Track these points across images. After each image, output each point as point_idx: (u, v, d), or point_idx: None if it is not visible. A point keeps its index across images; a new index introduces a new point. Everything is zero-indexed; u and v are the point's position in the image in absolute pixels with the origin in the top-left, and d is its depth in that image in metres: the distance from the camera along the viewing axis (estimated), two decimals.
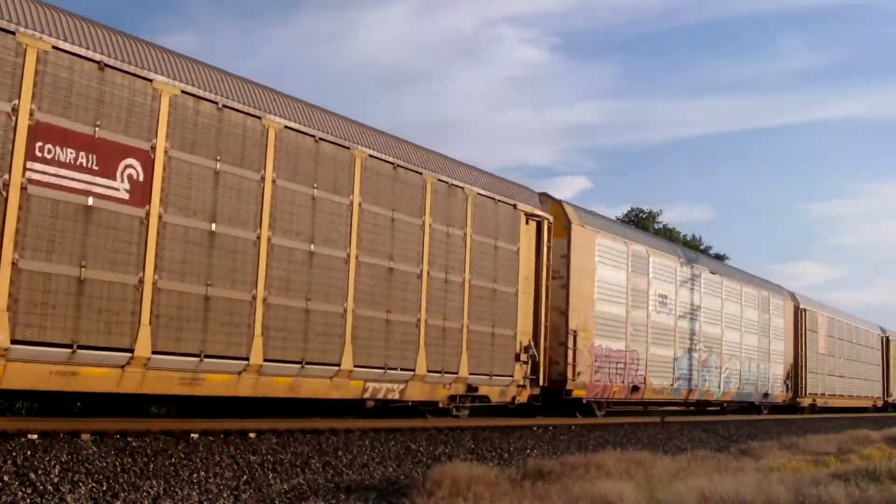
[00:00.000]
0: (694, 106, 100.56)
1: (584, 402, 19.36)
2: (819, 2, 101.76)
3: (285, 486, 9.58)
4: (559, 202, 18.89)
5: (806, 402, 33.75)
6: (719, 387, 26.58)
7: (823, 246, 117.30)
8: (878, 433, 22.58)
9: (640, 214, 52.12)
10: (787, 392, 32.13)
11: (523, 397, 17.16)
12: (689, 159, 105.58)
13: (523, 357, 16.87)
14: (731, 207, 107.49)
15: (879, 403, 44.63)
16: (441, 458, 12.23)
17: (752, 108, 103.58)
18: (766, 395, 30.12)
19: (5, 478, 7.79)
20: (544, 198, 18.61)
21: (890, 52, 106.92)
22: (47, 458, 8.33)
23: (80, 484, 8.11)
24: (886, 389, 45.87)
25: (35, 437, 8.78)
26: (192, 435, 10.20)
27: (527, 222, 17.34)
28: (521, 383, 16.94)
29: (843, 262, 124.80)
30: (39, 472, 8.06)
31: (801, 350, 33.16)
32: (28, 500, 7.60)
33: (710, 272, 26.17)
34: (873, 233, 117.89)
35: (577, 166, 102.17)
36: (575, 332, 18.49)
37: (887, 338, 47.45)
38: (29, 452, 8.36)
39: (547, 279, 17.63)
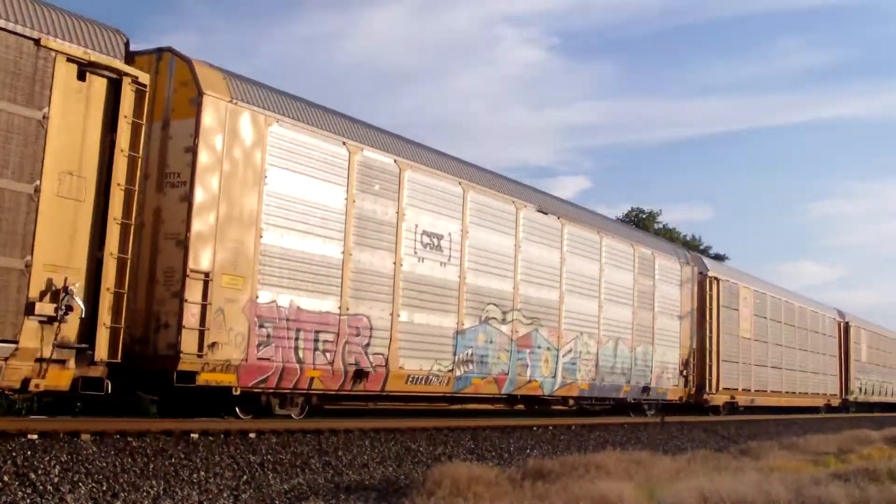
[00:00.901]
0: (694, 106, 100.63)
1: (236, 391, 11.67)
2: (819, 1, 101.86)
3: (285, 486, 9.58)
4: (188, 60, 11.57)
5: (718, 399, 25.80)
6: (554, 376, 18.17)
7: (823, 246, 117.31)
8: (878, 433, 22.59)
9: (641, 214, 52.13)
10: (685, 386, 24.07)
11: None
12: (688, 159, 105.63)
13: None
14: (731, 207, 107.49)
15: (836, 402, 37.99)
16: (441, 458, 12.24)
17: (752, 108, 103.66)
18: (646, 389, 21.86)
19: (5, 478, 7.79)
20: (168, 54, 11.68)
21: (890, 52, 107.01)
22: (47, 458, 8.33)
23: (80, 484, 8.11)
24: (846, 385, 39.04)
25: (35, 437, 8.77)
26: (192, 435, 10.20)
27: (81, 78, 9.70)
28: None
29: (843, 262, 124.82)
30: (39, 472, 8.06)
31: (711, 331, 25.23)
32: (28, 500, 7.60)
33: (539, 210, 18.14)
34: (873, 233, 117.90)
35: (576, 166, 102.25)
36: (207, 275, 11.13)
37: (846, 323, 39.72)
38: (29, 452, 8.35)
39: (135, 180, 10.11)
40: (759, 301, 29.37)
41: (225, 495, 8.92)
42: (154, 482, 8.66)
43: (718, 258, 49.30)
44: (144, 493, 8.38)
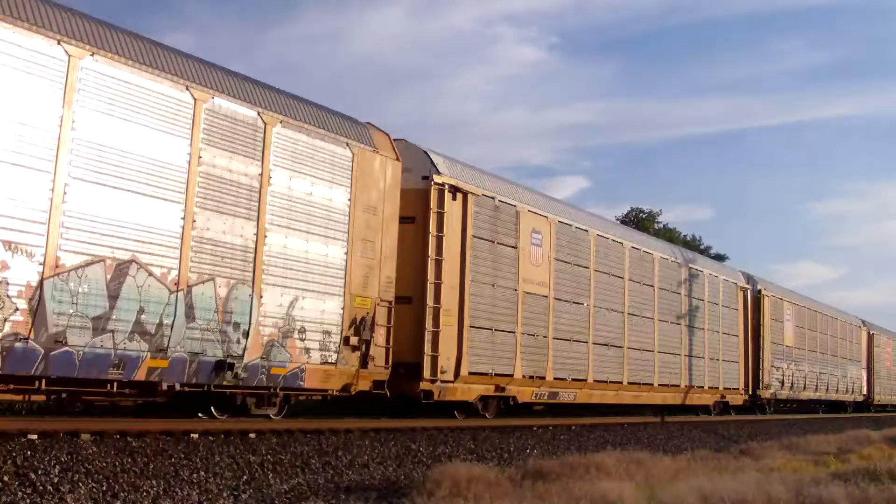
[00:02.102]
0: (693, 105, 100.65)
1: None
2: (819, 0, 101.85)
3: (285, 486, 9.58)
4: None
5: (435, 390, 15.27)
6: None
7: (823, 246, 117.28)
8: (878, 433, 22.58)
9: (640, 214, 52.16)
10: (342, 362, 13.24)
11: None
12: (688, 159, 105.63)
13: None
14: (731, 207, 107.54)
15: (738, 401, 28.66)
16: (441, 458, 12.23)
17: (752, 108, 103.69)
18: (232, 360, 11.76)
19: (5, 478, 7.79)
20: None
21: (891, 51, 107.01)
22: (47, 458, 8.33)
23: (80, 484, 8.11)
24: (759, 378, 29.74)
25: (35, 437, 8.78)
26: (192, 435, 10.21)
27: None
28: None
29: (843, 262, 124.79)
30: (39, 472, 8.06)
31: (433, 268, 15.41)
32: (28, 500, 7.60)
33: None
34: (873, 233, 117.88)
35: (575, 166, 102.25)
36: None
37: (758, 291, 30.08)
38: (29, 452, 8.36)
39: None
40: (556, 234, 18.90)
41: (225, 495, 8.92)
42: (154, 482, 8.66)
43: (718, 258, 49.29)
44: (144, 493, 8.38)
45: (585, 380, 19.51)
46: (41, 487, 7.83)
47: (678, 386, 24.09)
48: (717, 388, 26.99)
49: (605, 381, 20.42)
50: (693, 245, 49.29)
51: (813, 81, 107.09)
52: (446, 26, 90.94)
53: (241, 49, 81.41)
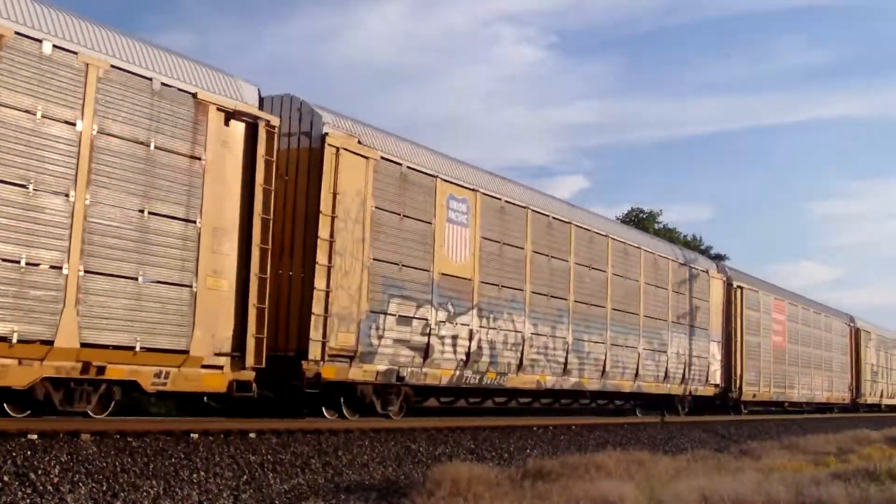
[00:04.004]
0: (693, 105, 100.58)
1: None
2: (819, 0, 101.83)
3: (285, 486, 9.58)
4: None
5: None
6: None
7: (823, 246, 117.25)
8: (878, 433, 22.60)
9: (640, 214, 52.14)
10: None
11: None
12: (688, 159, 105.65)
13: None
14: (731, 207, 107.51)
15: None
16: (441, 458, 12.24)
17: (752, 107, 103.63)
18: None
19: (5, 478, 7.79)
20: None
21: (891, 51, 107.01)
22: (47, 458, 8.33)
23: (80, 484, 8.11)
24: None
25: (35, 437, 8.78)
26: (192, 435, 10.21)
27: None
28: None
29: (843, 262, 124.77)
30: (39, 472, 8.06)
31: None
32: (28, 500, 7.60)
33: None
34: (873, 233, 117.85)
35: (575, 166, 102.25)
36: None
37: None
38: (29, 452, 8.36)
39: None
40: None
41: (225, 495, 8.92)
42: (154, 482, 8.66)
43: (718, 258, 49.27)
44: (144, 493, 8.38)
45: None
46: (41, 487, 7.83)
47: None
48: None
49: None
50: (693, 245, 49.29)
51: (813, 81, 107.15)
52: (445, 25, 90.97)
53: (239, 47, 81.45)
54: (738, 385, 27.09)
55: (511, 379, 16.92)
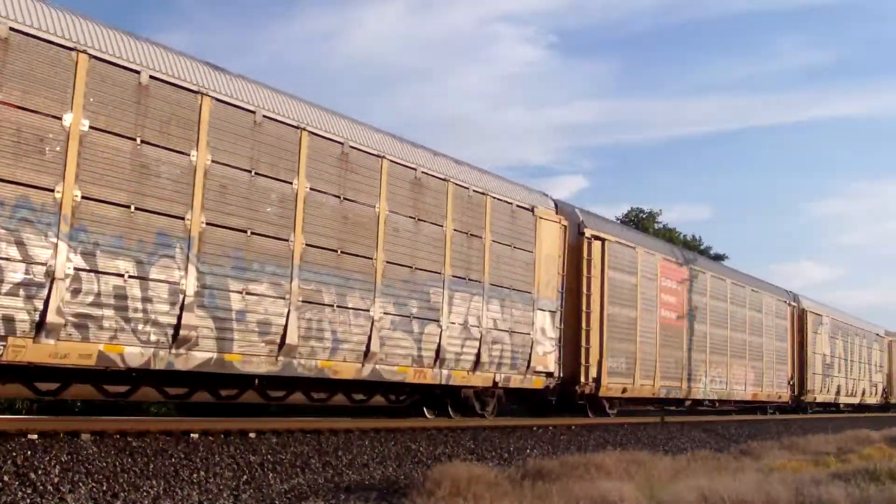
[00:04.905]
0: (692, 105, 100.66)
1: None
2: (819, 0, 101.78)
3: (285, 486, 9.58)
4: None
5: None
6: None
7: (823, 246, 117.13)
8: (878, 433, 22.59)
9: (640, 214, 52.14)
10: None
11: None
12: (688, 159, 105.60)
13: None
14: (731, 207, 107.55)
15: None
16: (441, 458, 12.24)
17: (752, 107, 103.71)
18: None
19: (5, 478, 7.79)
20: None
21: (891, 51, 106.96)
22: (47, 458, 8.33)
23: (80, 484, 8.11)
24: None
25: (35, 437, 8.78)
26: (192, 435, 10.21)
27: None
28: None
29: (843, 262, 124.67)
30: (39, 472, 8.06)
31: None
32: (28, 500, 7.60)
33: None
34: (873, 233, 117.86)
35: (575, 166, 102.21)
36: None
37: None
38: (29, 452, 8.36)
39: None
40: None
41: (225, 495, 8.92)
42: (154, 482, 8.66)
43: (718, 258, 49.27)
44: (144, 493, 8.38)
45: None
46: (41, 487, 7.83)
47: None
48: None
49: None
50: (693, 245, 49.26)
51: (813, 81, 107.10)
52: (444, 25, 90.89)
53: (238, 48, 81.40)
54: (592, 375, 18.87)
55: None
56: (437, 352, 14.70)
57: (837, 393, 36.13)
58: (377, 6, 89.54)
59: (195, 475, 9.13)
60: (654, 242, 24.59)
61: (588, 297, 19.00)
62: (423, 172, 14.75)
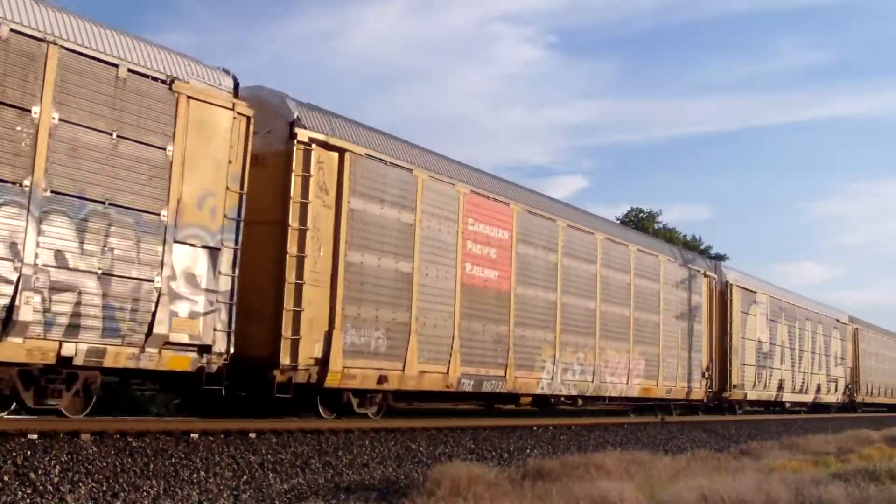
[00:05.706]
0: (693, 105, 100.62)
1: None
2: (819, 0, 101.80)
3: (285, 486, 9.58)
4: None
5: None
6: None
7: (823, 246, 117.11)
8: (878, 433, 22.60)
9: (640, 214, 52.14)
10: None
11: None
12: (688, 159, 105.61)
13: None
14: (731, 207, 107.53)
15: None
16: (441, 458, 12.23)
17: (752, 107, 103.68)
18: None
19: (5, 478, 7.79)
20: None
21: (891, 51, 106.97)
22: (47, 458, 8.33)
23: (80, 484, 8.11)
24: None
25: (35, 437, 8.78)
26: (192, 435, 10.21)
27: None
28: None
29: (843, 262, 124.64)
30: (39, 472, 8.06)
31: None
32: (28, 500, 7.60)
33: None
34: (873, 233, 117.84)
35: (575, 166, 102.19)
36: None
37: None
38: (29, 452, 8.36)
39: None
40: None
41: (225, 495, 8.92)
42: (154, 482, 8.66)
43: (718, 258, 49.27)
44: (144, 493, 8.38)
45: None
46: (41, 487, 7.83)
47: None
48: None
49: None
50: (693, 245, 49.26)
51: (813, 81, 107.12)
52: (444, 25, 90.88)
53: (238, 47, 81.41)
54: (312, 354, 12.32)
55: None
56: None
57: (780, 389, 29.34)
58: (377, 6, 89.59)
59: (195, 475, 9.13)
60: (458, 168, 16.17)
61: (303, 233, 12.32)
62: None
